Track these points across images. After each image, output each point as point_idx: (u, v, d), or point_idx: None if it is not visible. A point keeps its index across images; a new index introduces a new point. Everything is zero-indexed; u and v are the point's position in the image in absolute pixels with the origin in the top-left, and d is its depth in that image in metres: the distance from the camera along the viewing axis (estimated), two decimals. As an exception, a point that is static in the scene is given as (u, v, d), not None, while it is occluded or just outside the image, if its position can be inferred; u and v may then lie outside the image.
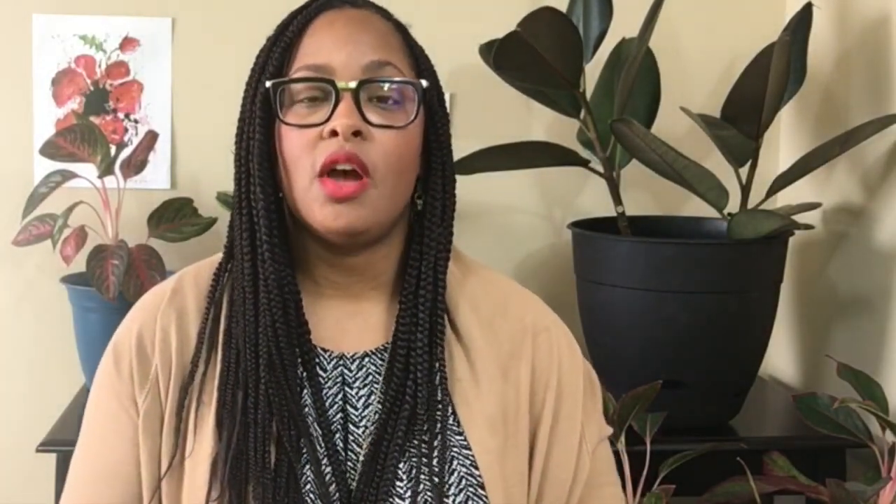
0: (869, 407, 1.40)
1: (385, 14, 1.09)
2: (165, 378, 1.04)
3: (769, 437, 1.67)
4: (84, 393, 1.80)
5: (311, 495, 0.99)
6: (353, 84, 1.00)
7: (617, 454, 1.39)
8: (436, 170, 1.08)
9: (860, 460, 1.61)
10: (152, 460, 1.03)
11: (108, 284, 1.67)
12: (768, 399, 1.88)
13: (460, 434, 1.04)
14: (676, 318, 1.59)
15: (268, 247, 1.03)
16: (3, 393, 1.99)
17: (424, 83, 1.04)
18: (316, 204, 1.01)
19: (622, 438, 1.44)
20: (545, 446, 1.07)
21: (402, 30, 1.09)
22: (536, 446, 1.07)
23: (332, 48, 1.02)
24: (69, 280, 1.81)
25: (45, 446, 1.58)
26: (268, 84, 1.02)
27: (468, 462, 1.03)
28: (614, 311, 1.65)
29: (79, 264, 1.75)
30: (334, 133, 0.99)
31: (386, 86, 1.02)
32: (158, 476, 1.02)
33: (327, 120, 1.00)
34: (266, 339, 1.02)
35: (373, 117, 1.01)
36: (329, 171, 0.99)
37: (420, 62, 1.08)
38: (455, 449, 1.03)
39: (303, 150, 1.01)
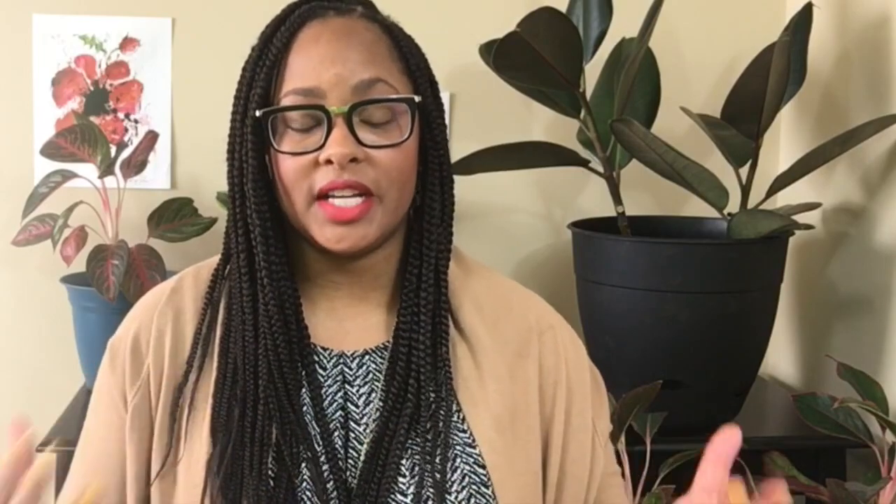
0: (869, 407, 1.41)
1: (370, 16, 1.07)
2: (157, 377, 1.04)
3: (769, 437, 1.67)
4: (84, 393, 1.80)
5: (308, 492, 0.99)
6: (344, 108, 0.99)
7: (617, 454, 1.39)
8: (433, 170, 1.07)
9: (860, 460, 1.61)
10: (139, 458, 1.03)
11: (108, 284, 1.67)
12: (768, 399, 1.88)
13: (465, 432, 1.04)
14: (677, 318, 1.59)
15: (266, 272, 1.02)
16: (3, 393, 1.99)
17: (417, 98, 1.03)
18: (316, 224, 1.00)
19: (622, 438, 1.44)
20: (561, 443, 1.08)
21: (389, 31, 1.06)
22: (552, 444, 1.07)
23: (319, 69, 1.00)
24: (69, 280, 1.81)
25: (45, 446, 1.58)
26: (258, 114, 1.01)
27: (472, 460, 1.03)
28: (614, 311, 1.65)
29: (79, 264, 1.75)
30: (330, 161, 0.98)
31: (379, 106, 1.01)
32: (145, 474, 1.03)
33: (321, 146, 0.99)
34: (267, 360, 1.02)
35: (368, 138, 1.00)
36: (328, 195, 0.99)
37: (411, 64, 1.06)
38: (458, 447, 1.03)
39: (299, 175, 1.00)
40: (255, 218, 1.02)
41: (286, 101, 1.01)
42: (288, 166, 1.00)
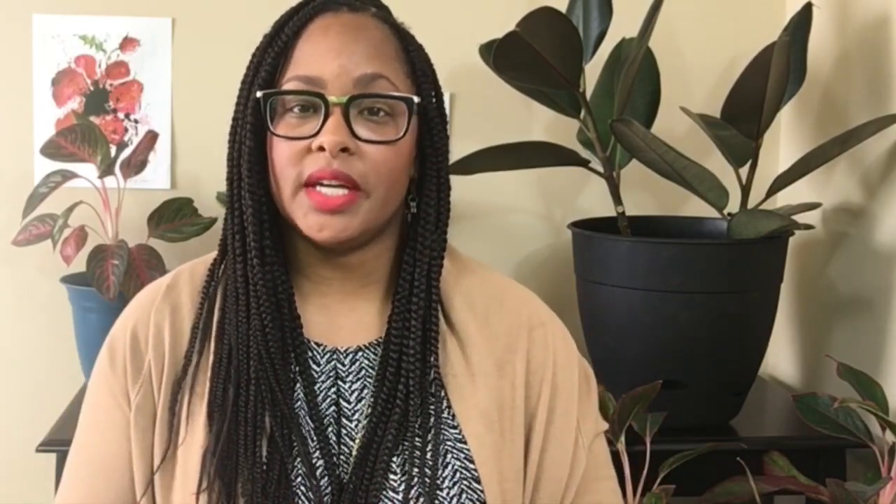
0: (869, 407, 1.40)
1: (383, 16, 1.08)
2: (158, 373, 1.05)
3: (769, 437, 1.67)
4: (84, 392, 1.80)
5: (303, 488, 1.00)
6: (343, 99, 1.00)
7: (617, 454, 1.40)
8: (431, 176, 1.08)
9: (860, 460, 1.61)
10: (143, 455, 1.04)
11: (108, 284, 1.67)
12: (768, 399, 1.88)
13: (455, 428, 1.05)
14: (676, 318, 1.59)
15: (256, 252, 1.04)
16: (3, 393, 2.00)
17: (416, 99, 1.03)
18: (300, 212, 1.02)
19: (622, 438, 1.44)
20: (541, 442, 1.08)
21: (399, 34, 1.08)
22: (532, 441, 1.08)
23: (324, 59, 1.02)
24: (69, 280, 1.81)
25: (45, 446, 1.58)
26: (259, 94, 1.02)
27: (462, 456, 1.03)
28: (614, 311, 1.65)
29: (79, 264, 1.75)
30: (322, 148, 0.99)
31: (378, 101, 1.02)
32: (150, 470, 1.04)
33: (316, 133, 1.00)
34: (256, 341, 1.03)
35: (362, 132, 1.01)
36: (315, 183, 1.00)
37: (416, 68, 1.07)
38: (449, 443, 1.04)
39: (290, 160, 1.01)
40: (248, 198, 1.04)
41: (288, 87, 1.02)
42: (281, 150, 1.02)
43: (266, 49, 1.05)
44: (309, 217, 1.01)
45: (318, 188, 1.00)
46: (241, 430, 1.01)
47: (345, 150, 0.99)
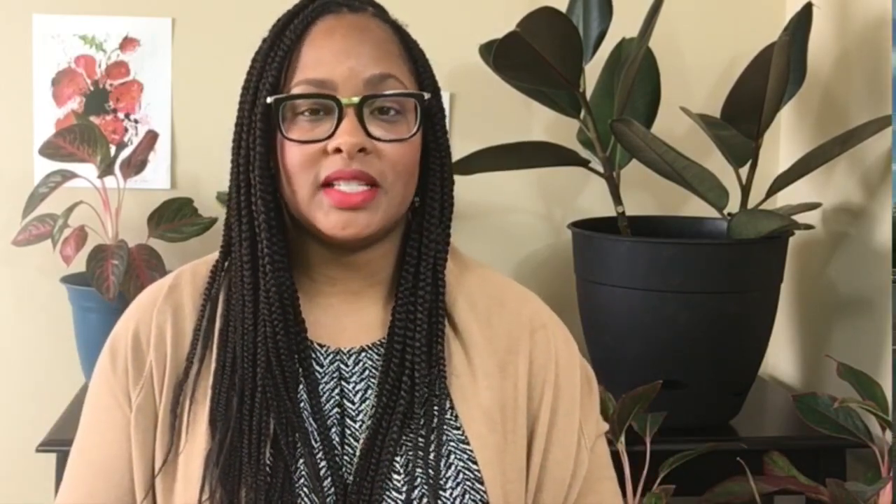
0: (869, 407, 1.40)
1: (383, 16, 1.09)
2: (160, 374, 1.05)
3: (769, 437, 1.67)
4: (84, 392, 1.80)
5: (305, 489, 1.00)
6: (356, 99, 1.00)
7: (617, 454, 1.40)
8: (434, 171, 1.09)
9: (860, 460, 1.61)
10: (144, 456, 1.04)
11: (108, 284, 1.67)
12: (768, 399, 1.88)
13: (458, 429, 1.05)
14: (676, 318, 1.59)
15: (269, 259, 1.03)
16: (3, 393, 1.99)
17: (426, 95, 1.05)
18: (320, 212, 1.02)
19: (622, 438, 1.44)
20: (543, 443, 1.08)
21: (399, 32, 1.09)
22: (535, 443, 1.08)
23: (332, 61, 1.02)
24: (69, 280, 1.81)
25: (45, 446, 1.58)
26: (269, 100, 1.02)
27: (465, 456, 1.04)
28: (614, 311, 1.65)
29: (79, 264, 1.75)
30: (339, 150, 1.00)
31: (388, 100, 1.03)
32: (151, 472, 1.04)
33: (331, 136, 1.00)
34: (265, 349, 1.03)
35: (376, 131, 1.01)
36: (333, 182, 1.01)
37: (419, 65, 1.08)
38: (452, 443, 1.04)
39: (305, 163, 1.01)
40: (261, 205, 1.03)
41: (298, 91, 1.02)
42: (294, 154, 1.02)
43: (268, 54, 1.05)
44: (331, 216, 1.01)
45: (337, 186, 1.00)
46: (245, 439, 1.01)
47: (362, 150, 1.00)
